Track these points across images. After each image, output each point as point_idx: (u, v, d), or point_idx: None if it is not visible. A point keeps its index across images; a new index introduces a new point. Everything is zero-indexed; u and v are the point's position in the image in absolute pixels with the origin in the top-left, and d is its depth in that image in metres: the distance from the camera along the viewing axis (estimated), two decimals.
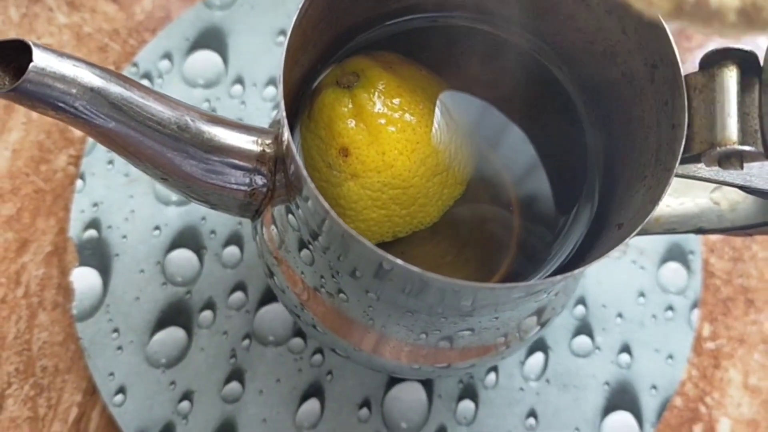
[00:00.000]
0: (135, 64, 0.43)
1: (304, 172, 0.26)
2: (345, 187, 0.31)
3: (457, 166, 0.32)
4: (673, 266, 0.42)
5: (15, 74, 0.26)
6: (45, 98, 0.26)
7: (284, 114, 0.26)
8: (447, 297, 0.28)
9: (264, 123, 0.43)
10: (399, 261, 0.25)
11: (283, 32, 0.44)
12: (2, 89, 0.26)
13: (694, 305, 0.42)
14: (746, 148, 0.25)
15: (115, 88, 0.27)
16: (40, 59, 0.26)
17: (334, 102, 0.31)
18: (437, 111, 0.32)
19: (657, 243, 0.43)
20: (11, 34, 0.44)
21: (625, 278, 0.42)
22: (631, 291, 0.42)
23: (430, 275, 0.25)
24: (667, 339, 0.41)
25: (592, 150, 0.33)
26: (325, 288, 0.31)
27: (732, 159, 0.25)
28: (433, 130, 0.32)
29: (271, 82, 0.43)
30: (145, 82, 0.43)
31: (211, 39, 0.44)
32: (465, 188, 0.33)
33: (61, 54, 0.26)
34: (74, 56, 0.27)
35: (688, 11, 0.19)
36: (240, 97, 0.43)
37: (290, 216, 0.30)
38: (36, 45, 0.26)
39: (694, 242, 0.43)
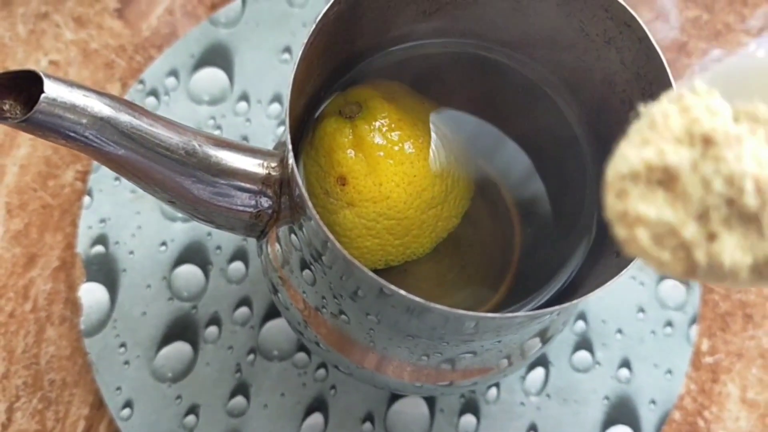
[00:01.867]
0: (141, 81, 0.44)
1: (308, 201, 0.26)
2: (341, 215, 0.32)
3: (453, 199, 0.33)
4: (672, 282, 0.43)
5: (25, 104, 0.27)
6: (56, 128, 0.27)
7: (290, 146, 0.26)
8: (449, 322, 0.28)
9: (269, 140, 0.43)
10: (400, 291, 0.25)
11: (287, 49, 0.45)
12: (15, 119, 0.26)
13: (693, 321, 0.42)
14: None
15: (124, 117, 0.28)
16: (51, 90, 0.26)
17: (335, 132, 0.32)
18: (436, 143, 0.33)
19: None
20: (18, 51, 0.44)
21: (625, 294, 0.42)
22: (631, 307, 0.42)
23: (431, 305, 0.25)
24: (666, 354, 0.42)
25: (592, 175, 0.34)
26: (327, 308, 0.32)
27: None
28: (431, 163, 0.32)
29: (276, 99, 0.44)
30: (151, 99, 0.43)
31: (217, 56, 0.44)
32: (459, 222, 0.34)
33: (71, 84, 0.27)
34: (84, 86, 0.27)
35: (702, 273, 0.19)
36: (245, 114, 0.44)
37: (293, 236, 0.31)
38: (47, 75, 0.26)
39: None
